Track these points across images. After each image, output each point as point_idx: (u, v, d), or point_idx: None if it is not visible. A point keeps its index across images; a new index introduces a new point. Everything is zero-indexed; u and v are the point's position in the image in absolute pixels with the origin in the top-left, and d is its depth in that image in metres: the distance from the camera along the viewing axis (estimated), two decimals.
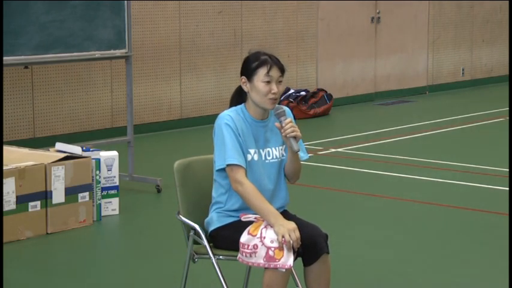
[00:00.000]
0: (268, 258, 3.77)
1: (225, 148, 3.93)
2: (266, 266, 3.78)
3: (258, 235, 3.81)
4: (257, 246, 3.80)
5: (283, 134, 3.96)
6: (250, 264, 3.85)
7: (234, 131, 3.95)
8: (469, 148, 9.60)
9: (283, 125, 3.96)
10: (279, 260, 3.75)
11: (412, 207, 6.98)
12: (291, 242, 3.72)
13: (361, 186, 7.69)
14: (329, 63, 12.57)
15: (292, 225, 3.77)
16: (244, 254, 3.84)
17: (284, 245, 3.73)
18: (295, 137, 3.95)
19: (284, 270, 3.76)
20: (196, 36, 10.78)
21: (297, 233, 3.74)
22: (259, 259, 3.80)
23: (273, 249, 3.76)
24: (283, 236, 3.72)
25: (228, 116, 3.98)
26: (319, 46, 12.38)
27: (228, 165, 3.91)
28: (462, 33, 14.62)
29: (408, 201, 7.16)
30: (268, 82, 3.99)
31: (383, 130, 10.60)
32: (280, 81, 4.03)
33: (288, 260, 3.75)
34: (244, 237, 3.85)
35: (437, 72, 14.33)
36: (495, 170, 8.22)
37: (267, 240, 3.79)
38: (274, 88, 4.00)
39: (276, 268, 3.76)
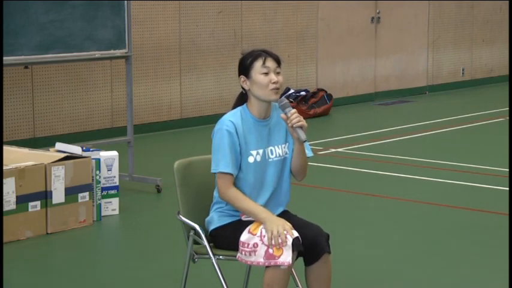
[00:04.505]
0: (268, 256, 3.77)
1: (219, 155, 3.95)
2: (266, 264, 3.78)
3: (258, 234, 3.82)
4: (257, 245, 3.80)
5: (290, 125, 3.96)
6: (249, 263, 3.85)
7: (233, 139, 3.96)
8: (469, 148, 9.60)
9: (289, 115, 3.97)
10: (279, 257, 3.76)
11: (412, 207, 6.98)
12: (279, 237, 3.74)
13: (361, 186, 7.69)
14: (329, 63, 12.57)
15: (281, 221, 3.81)
16: (243, 252, 3.85)
17: (273, 242, 3.75)
18: (301, 127, 3.96)
19: (286, 267, 3.76)
20: (196, 36, 10.78)
21: (287, 227, 3.78)
22: (259, 258, 3.80)
23: (271, 247, 3.77)
24: (272, 232, 3.75)
25: (229, 121, 3.98)
26: (319, 46, 12.38)
27: (219, 172, 3.94)
28: (462, 33, 14.62)
29: (408, 201, 7.16)
30: (267, 73, 4.00)
31: (383, 130, 10.60)
32: (278, 72, 4.04)
33: (287, 257, 3.75)
34: (244, 236, 3.85)
35: (437, 72, 14.32)
36: (495, 170, 8.22)
37: (266, 239, 3.79)
38: (274, 78, 4.00)
39: (276, 265, 3.76)
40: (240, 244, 3.86)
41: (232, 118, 4.00)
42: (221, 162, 3.94)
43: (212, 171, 3.99)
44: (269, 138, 4.06)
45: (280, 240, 3.74)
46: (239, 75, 4.07)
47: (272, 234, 3.76)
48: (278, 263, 3.76)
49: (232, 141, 3.95)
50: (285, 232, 3.77)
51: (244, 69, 4.04)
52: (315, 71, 12.38)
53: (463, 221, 6.59)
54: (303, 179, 4.18)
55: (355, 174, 8.20)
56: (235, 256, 3.93)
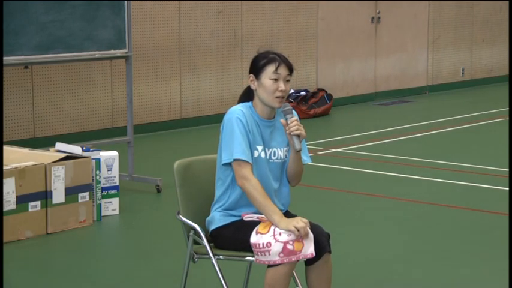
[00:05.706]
0: (288, 252, 3.75)
1: (234, 143, 3.91)
2: (286, 261, 3.76)
3: (271, 233, 3.79)
4: (270, 244, 3.77)
5: (287, 132, 3.96)
6: (266, 263, 3.81)
7: (245, 126, 3.94)
8: (469, 148, 9.60)
9: (289, 122, 3.96)
10: (301, 251, 3.75)
11: (412, 207, 6.98)
12: (306, 228, 3.75)
13: (361, 186, 7.69)
14: (329, 63, 12.57)
15: (295, 218, 3.81)
16: (259, 253, 3.82)
17: (301, 233, 3.75)
18: (298, 136, 3.96)
19: (305, 259, 3.79)
20: (196, 36, 10.78)
21: (304, 219, 3.78)
22: (274, 256, 3.77)
23: (291, 242, 3.75)
24: (296, 228, 3.74)
25: (240, 110, 3.97)
26: (319, 46, 12.38)
27: (235, 160, 3.91)
28: (462, 33, 14.62)
29: (408, 201, 7.16)
30: (276, 80, 3.99)
31: (383, 130, 10.60)
32: (287, 80, 4.03)
33: (308, 248, 3.77)
34: (253, 238, 3.83)
35: (437, 72, 14.32)
36: (495, 170, 8.22)
37: (282, 236, 3.77)
38: (282, 86, 3.99)
39: (297, 260, 3.76)
40: (253, 246, 3.83)
41: (243, 108, 4.00)
42: (235, 150, 3.89)
43: (225, 161, 3.93)
44: (271, 139, 4.05)
45: (304, 232, 3.74)
46: (249, 73, 4.06)
47: (296, 229, 3.73)
48: (301, 257, 3.76)
49: (244, 129, 3.94)
50: (306, 222, 3.78)
51: (256, 69, 4.03)
52: (315, 71, 12.38)
53: (463, 221, 6.59)
54: (296, 185, 4.17)
55: (355, 174, 8.19)
56: (236, 256, 3.92)
